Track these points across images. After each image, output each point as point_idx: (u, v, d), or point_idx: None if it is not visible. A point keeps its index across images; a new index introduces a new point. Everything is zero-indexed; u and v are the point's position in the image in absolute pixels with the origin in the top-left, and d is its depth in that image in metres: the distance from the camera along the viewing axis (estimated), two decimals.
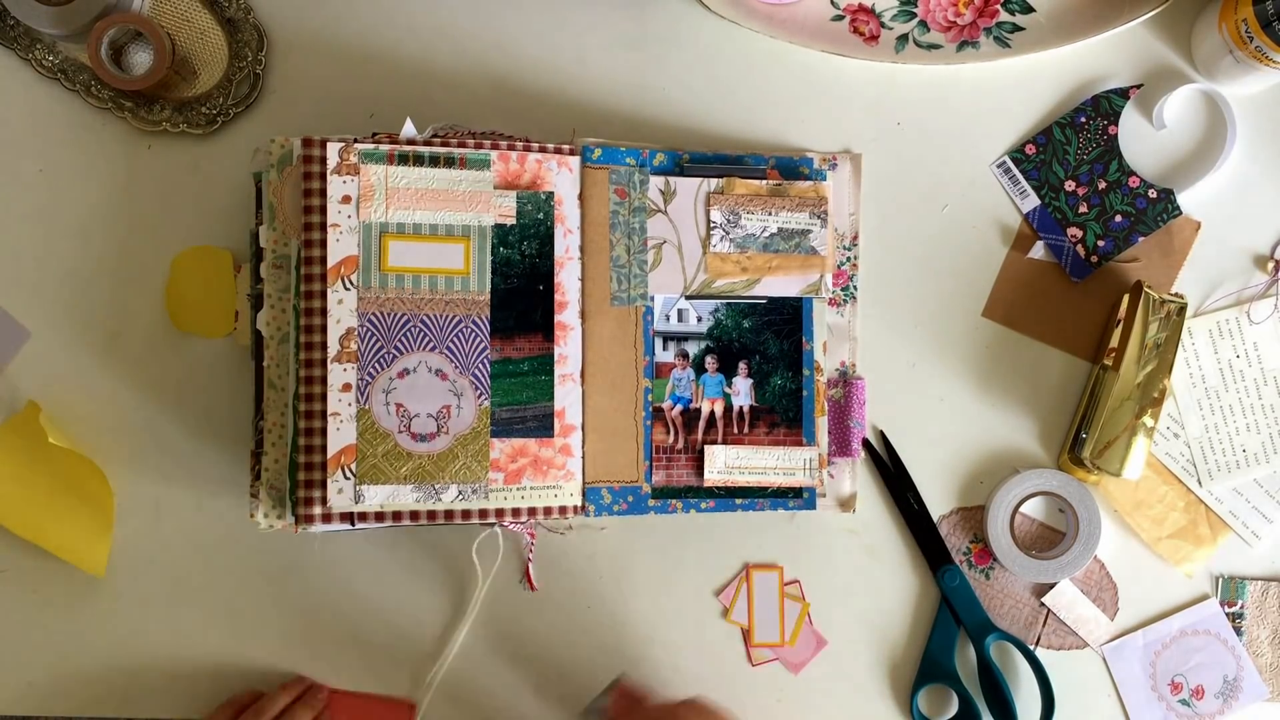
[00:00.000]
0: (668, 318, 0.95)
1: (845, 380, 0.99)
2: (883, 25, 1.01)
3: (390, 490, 0.88)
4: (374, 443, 0.88)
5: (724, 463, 0.95)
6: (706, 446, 0.95)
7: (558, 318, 0.92)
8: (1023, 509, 0.99)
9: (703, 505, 0.95)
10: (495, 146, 0.92)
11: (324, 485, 0.87)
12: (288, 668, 0.98)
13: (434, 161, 0.90)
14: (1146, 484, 1.00)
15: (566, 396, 0.92)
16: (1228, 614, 1.00)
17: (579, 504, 0.93)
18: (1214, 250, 1.02)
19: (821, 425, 0.96)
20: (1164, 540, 1.00)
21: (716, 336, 0.96)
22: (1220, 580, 1.01)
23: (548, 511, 0.92)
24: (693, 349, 0.95)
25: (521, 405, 0.91)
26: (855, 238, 1.00)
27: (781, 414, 0.96)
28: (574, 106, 1.00)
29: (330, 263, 0.88)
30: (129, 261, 0.98)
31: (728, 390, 0.96)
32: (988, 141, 1.02)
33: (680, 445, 0.95)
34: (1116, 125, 1.01)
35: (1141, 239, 1.01)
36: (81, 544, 0.96)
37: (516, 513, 0.91)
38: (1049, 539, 1.00)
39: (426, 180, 0.90)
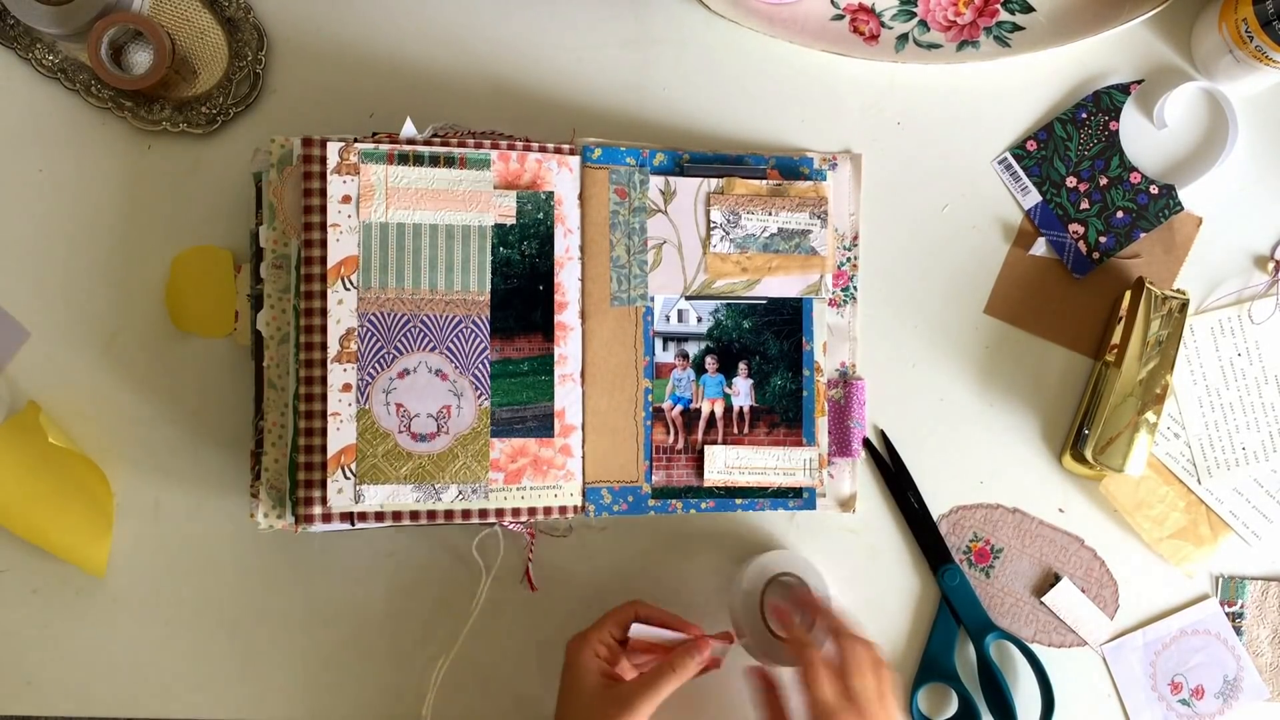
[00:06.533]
0: (668, 318, 0.95)
1: (845, 380, 0.99)
2: (883, 25, 1.01)
3: (390, 490, 0.88)
4: (374, 443, 0.88)
5: (724, 463, 0.95)
6: (706, 447, 0.95)
7: (558, 318, 0.92)
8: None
9: (703, 505, 0.95)
10: (495, 146, 0.92)
11: (324, 485, 0.88)
12: (288, 667, 0.98)
13: (434, 161, 0.90)
14: (1147, 484, 1.00)
15: (566, 396, 0.92)
16: (1228, 614, 1.00)
17: (579, 504, 0.93)
18: (1215, 248, 1.02)
19: (821, 425, 0.96)
20: (1164, 540, 1.00)
21: (716, 337, 0.96)
22: (1220, 580, 1.01)
23: (548, 511, 0.92)
24: (693, 349, 0.95)
25: (521, 405, 0.91)
26: (855, 238, 1.00)
27: (781, 414, 0.96)
28: (574, 106, 1.00)
29: (330, 263, 0.88)
30: (129, 261, 0.98)
31: (728, 390, 0.96)
32: (988, 139, 1.02)
33: (680, 445, 0.95)
34: (1117, 121, 1.01)
35: (1143, 235, 1.01)
36: (81, 544, 0.96)
37: (516, 512, 0.91)
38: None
39: (426, 180, 0.90)
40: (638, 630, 0.90)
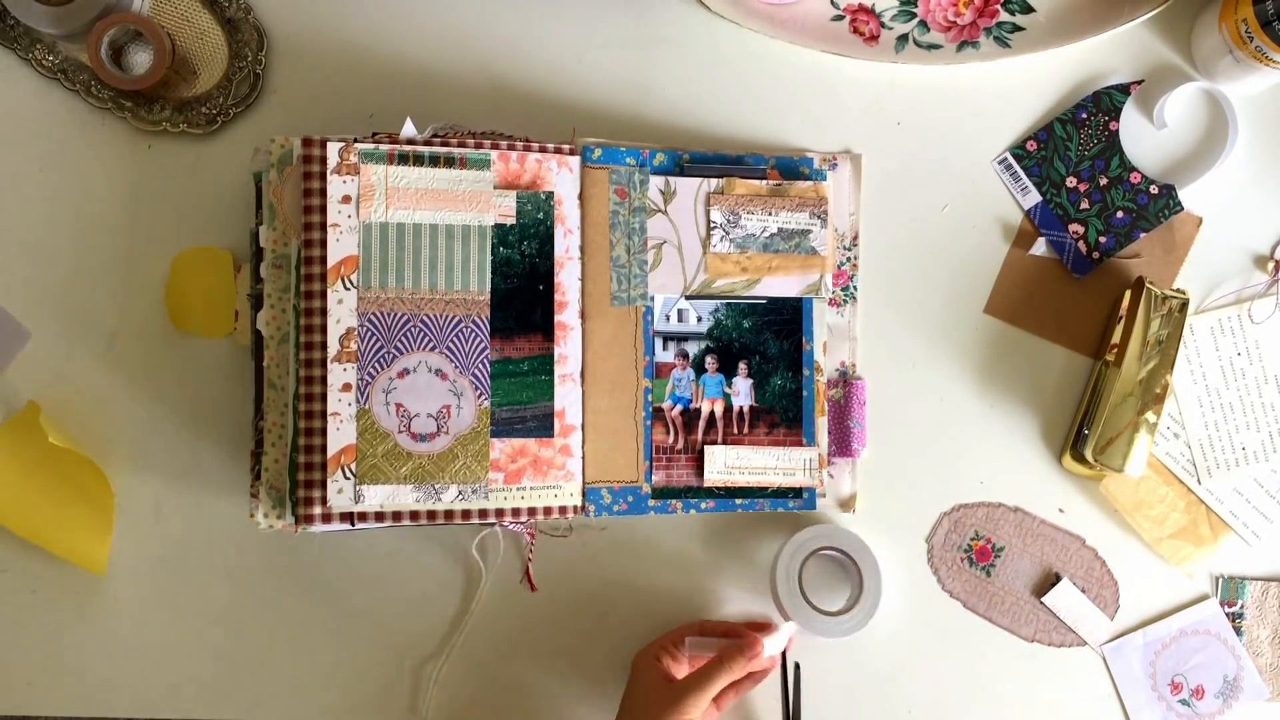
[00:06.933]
0: (668, 318, 0.95)
1: (845, 380, 0.99)
2: (883, 25, 1.01)
3: (390, 490, 0.88)
4: (374, 443, 0.88)
5: (724, 463, 0.95)
6: (706, 447, 0.95)
7: (558, 318, 0.92)
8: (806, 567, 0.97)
9: (703, 505, 0.95)
10: (495, 146, 0.92)
11: (324, 485, 0.88)
12: (287, 667, 0.98)
13: (434, 161, 0.90)
14: (1147, 484, 1.00)
15: (566, 396, 0.92)
16: (1228, 614, 1.00)
17: (579, 504, 0.93)
18: (1214, 248, 1.02)
19: (821, 425, 0.96)
20: (1165, 540, 1.00)
21: (716, 336, 0.96)
22: (1220, 580, 1.01)
23: (548, 511, 0.92)
24: (693, 349, 0.95)
25: (521, 405, 0.91)
26: (855, 238, 1.00)
27: (781, 414, 0.96)
28: (574, 106, 1.00)
29: (330, 262, 0.88)
30: (129, 261, 0.98)
31: (728, 390, 0.96)
32: (988, 139, 1.02)
33: (680, 445, 0.95)
34: (1117, 121, 1.01)
35: (1143, 235, 1.01)
36: (81, 544, 0.96)
37: (516, 513, 0.91)
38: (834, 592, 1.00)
39: (426, 180, 0.90)
40: (694, 643, 0.93)
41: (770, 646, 0.92)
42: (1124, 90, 1.01)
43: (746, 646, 0.91)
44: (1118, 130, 1.01)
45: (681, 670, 0.92)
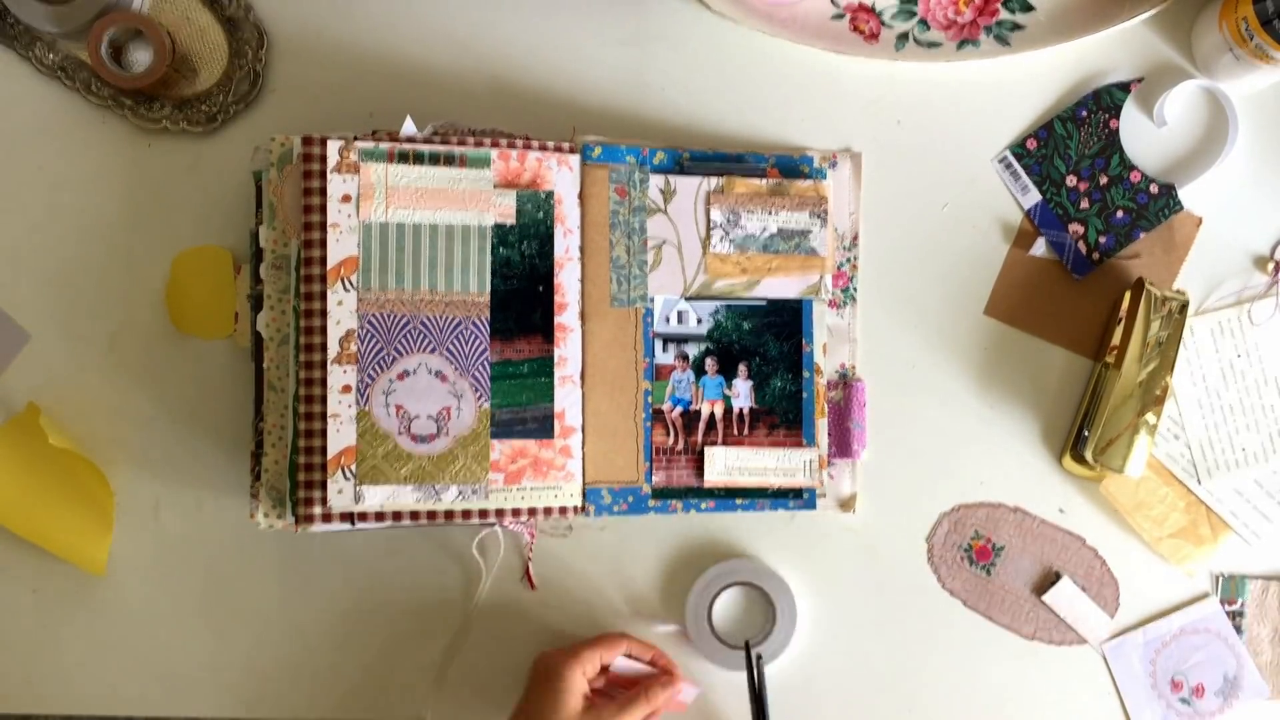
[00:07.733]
0: (668, 319, 0.95)
1: (845, 382, 0.99)
2: (883, 24, 1.01)
3: (390, 490, 0.89)
4: (374, 444, 0.88)
5: (724, 464, 0.95)
6: (706, 448, 0.95)
7: (557, 319, 0.92)
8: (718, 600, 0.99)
9: (703, 506, 0.95)
10: (495, 145, 0.92)
11: (324, 486, 0.88)
12: (287, 666, 0.98)
13: (434, 160, 0.90)
14: (1147, 484, 1.00)
15: (566, 398, 0.92)
16: (1228, 612, 1.00)
17: (579, 504, 0.93)
18: (1214, 248, 1.01)
19: (821, 427, 0.96)
20: (1165, 540, 1.00)
21: (716, 338, 0.96)
22: (1221, 578, 1.01)
23: (548, 512, 0.92)
24: (693, 351, 0.95)
25: (521, 407, 0.91)
26: (855, 238, 1.00)
27: (781, 416, 0.96)
28: (574, 105, 1.00)
29: (330, 263, 0.88)
30: (129, 261, 0.98)
31: (727, 392, 0.96)
32: (988, 138, 1.02)
33: (680, 446, 0.95)
34: (1118, 120, 1.01)
35: (1143, 235, 1.01)
36: (81, 544, 0.96)
37: (516, 513, 0.91)
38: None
39: (426, 179, 0.90)
40: (622, 665, 0.93)
41: (687, 691, 0.95)
42: (1124, 88, 1.01)
43: (670, 683, 0.92)
44: (1118, 128, 1.01)
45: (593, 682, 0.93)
